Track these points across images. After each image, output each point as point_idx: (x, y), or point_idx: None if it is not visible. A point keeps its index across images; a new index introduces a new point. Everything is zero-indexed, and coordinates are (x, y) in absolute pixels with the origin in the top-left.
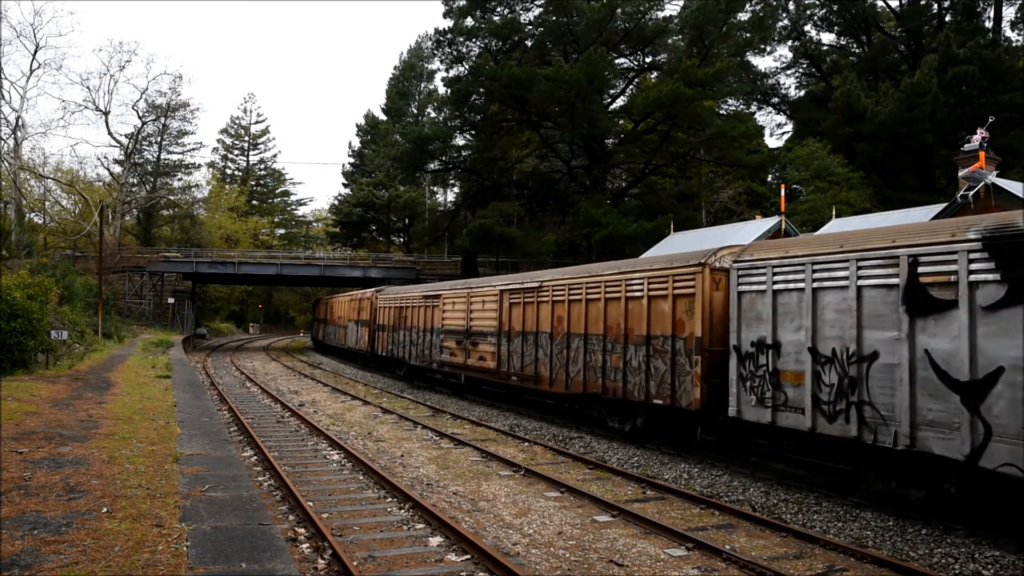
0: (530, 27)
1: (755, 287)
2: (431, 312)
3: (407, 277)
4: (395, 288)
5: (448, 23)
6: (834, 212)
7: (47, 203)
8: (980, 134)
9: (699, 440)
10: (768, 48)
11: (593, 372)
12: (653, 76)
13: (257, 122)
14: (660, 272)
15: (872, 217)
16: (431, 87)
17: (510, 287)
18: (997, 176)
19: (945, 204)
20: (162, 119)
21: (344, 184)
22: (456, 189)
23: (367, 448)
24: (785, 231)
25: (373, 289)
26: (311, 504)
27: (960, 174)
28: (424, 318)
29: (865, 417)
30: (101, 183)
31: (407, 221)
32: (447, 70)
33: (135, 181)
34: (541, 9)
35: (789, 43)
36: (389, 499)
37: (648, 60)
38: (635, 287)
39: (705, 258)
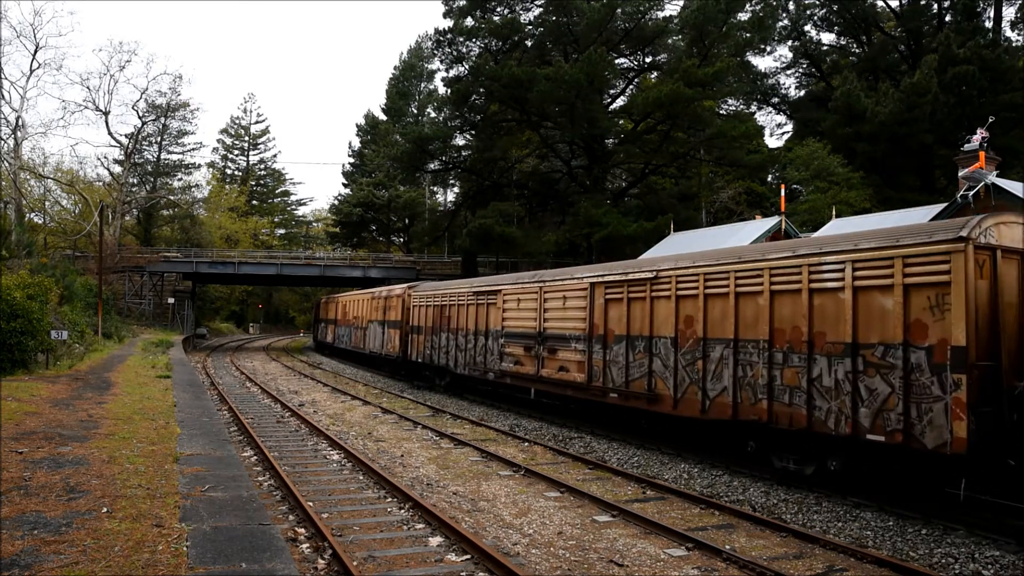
0: (530, 27)
1: None
2: (486, 311)
3: (407, 277)
4: (433, 284)
5: (448, 23)
6: (834, 212)
7: (47, 203)
8: (980, 134)
9: (963, 499)
10: (768, 48)
11: (750, 391)
12: (653, 76)
13: (257, 122)
14: (877, 253)
15: (872, 217)
16: (431, 87)
17: (606, 279)
18: (997, 176)
19: (945, 204)
20: (162, 119)
21: (344, 184)
22: (456, 189)
23: (367, 448)
24: (785, 231)
25: (404, 285)
26: (311, 504)
27: (960, 174)
28: (476, 318)
29: None
30: (101, 183)
31: (407, 221)
32: (447, 70)
33: (135, 181)
34: (541, 9)
35: (789, 43)
36: (389, 499)
37: (648, 60)
38: (827, 275)
39: (966, 229)
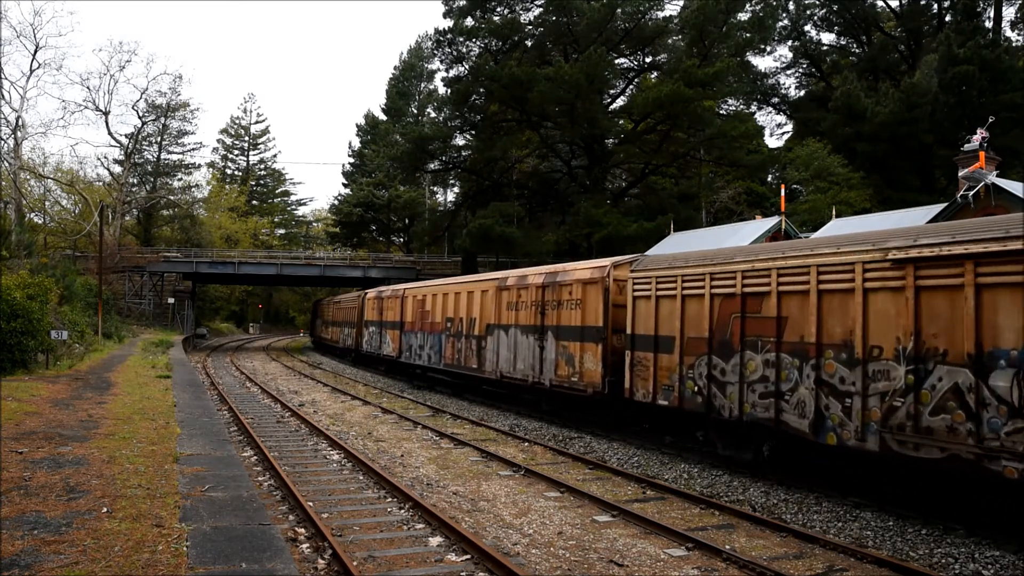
0: (530, 27)
1: None
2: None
3: (407, 277)
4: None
5: (448, 23)
6: (834, 212)
7: (47, 203)
8: (980, 134)
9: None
10: (768, 48)
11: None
12: (653, 76)
13: (257, 122)
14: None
15: (874, 217)
16: (431, 87)
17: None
18: (997, 176)
19: (945, 204)
20: (162, 119)
21: (344, 184)
22: (456, 189)
23: (367, 448)
24: (785, 231)
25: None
26: (311, 504)
27: (960, 174)
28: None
29: None
30: (101, 183)
31: (407, 221)
32: (447, 70)
33: (135, 181)
34: (541, 9)
35: (789, 43)
36: (389, 499)
37: (648, 60)
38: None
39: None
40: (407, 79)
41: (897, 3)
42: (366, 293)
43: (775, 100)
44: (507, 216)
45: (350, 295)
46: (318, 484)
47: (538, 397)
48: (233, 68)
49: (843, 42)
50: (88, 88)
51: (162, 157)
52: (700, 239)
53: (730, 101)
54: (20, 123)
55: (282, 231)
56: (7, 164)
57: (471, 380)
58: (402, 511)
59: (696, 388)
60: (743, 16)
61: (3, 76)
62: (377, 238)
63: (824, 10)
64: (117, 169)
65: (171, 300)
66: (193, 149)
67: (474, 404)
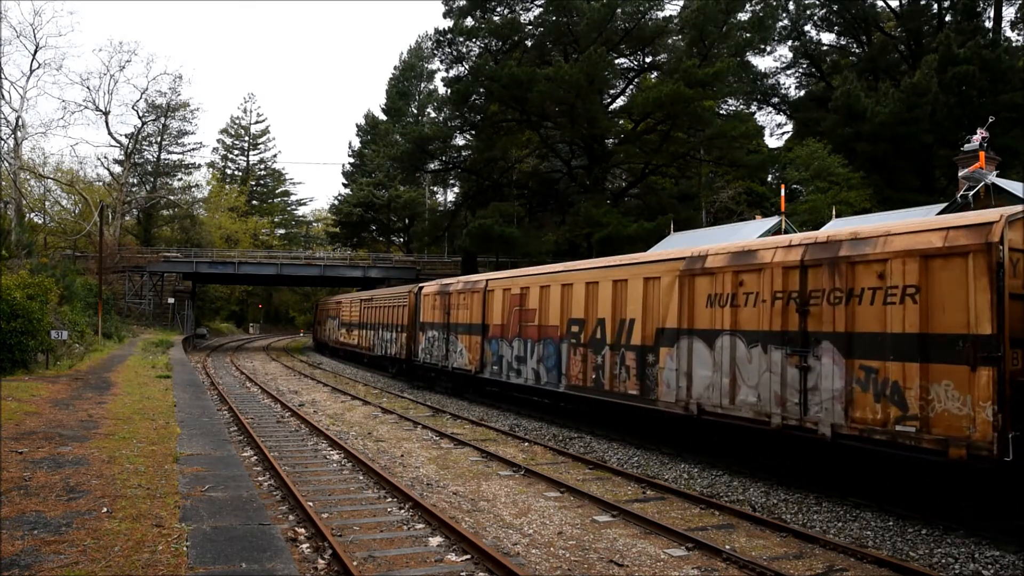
0: (530, 27)
1: None
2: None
3: (407, 277)
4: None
5: (448, 23)
6: (834, 212)
7: (47, 203)
8: (980, 134)
9: None
10: (768, 48)
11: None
12: (653, 76)
13: (257, 122)
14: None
15: (872, 217)
16: (431, 87)
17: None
18: (997, 176)
19: (945, 204)
20: (162, 119)
21: (344, 184)
22: (456, 189)
23: (367, 448)
24: (785, 231)
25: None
26: (311, 504)
27: (960, 174)
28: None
29: None
30: (101, 183)
31: (407, 221)
32: (447, 70)
33: (135, 181)
34: (541, 9)
35: (789, 43)
36: (389, 499)
37: (648, 60)
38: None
39: None
40: (407, 79)
41: (897, 3)
42: (421, 287)
43: (775, 100)
44: (507, 216)
45: (391, 290)
46: (318, 484)
47: (792, 450)
48: (233, 68)
49: (843, 42)
50: (88, 88)
51: (162, 157)
52: (700, 239)
53: (730, 101)
54: (20, 123)
55: (282, 231)
56: (7, 164)
57: (621, 410)
58: (402, 511)
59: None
60: (743, 16)
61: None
62: (377, 238)
63: (824, 10)
64: (117, 169)
65: (171, 300)
66: (193, 149)
67: (474, 404)
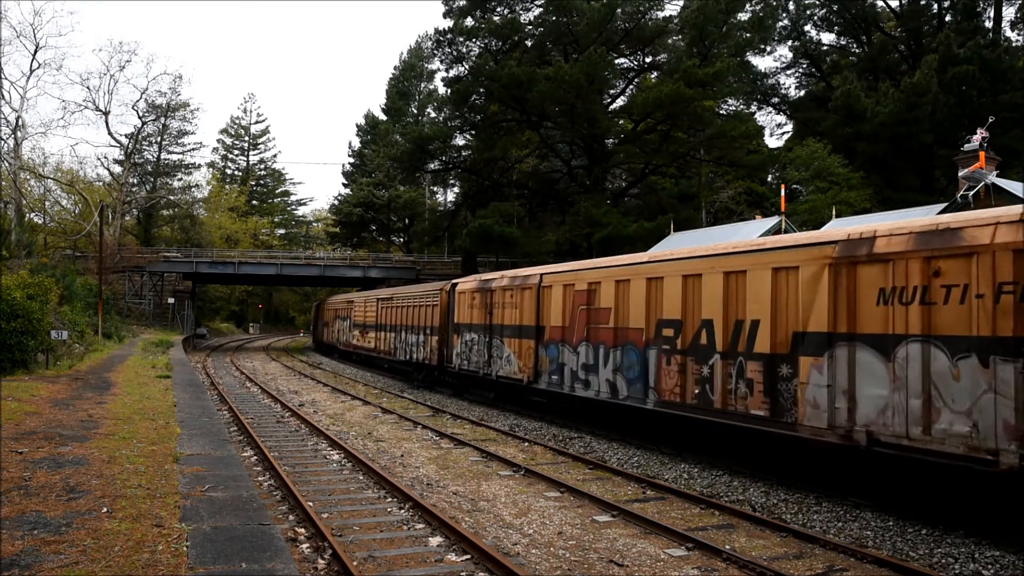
0: (530, 27)
1: None
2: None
3: (407, 277)
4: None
5: (448, 23)
6: (834, 212)
7: (47, 203)
8: (980, 134)
9: None
10: (768, 48)
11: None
12: (653, 76)
13: (257, 122)
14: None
15: (872, 217)
16: (431, 87)
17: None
18: (997, 176)
19: (945, 204)
20: (162, 119)
21: (344, 184)
22: (456, 189)
23: (367, 448)
24: (785, 231)
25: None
26: (311, 504)
27: (960, 174)
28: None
29: None
30: (101, 183)
31: (407, 221)
32: (447, 70)
33: (135, 181)
34: (541, 9)
35: (789, 43)
36: (389, 499)
37: (648, 60)
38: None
39: None
40: (407, 79)
41: (897, 3)
42: (455, 284)
43: (775, 100)
44: (507, 216)
45: (416, 288)
46: (318, 484)
47: None
48: (233, 68)
49: (843, 42)
50: (88, 88)
51: (162, 157)
52: (700, 239)
53: (730, 101)
54: (20, 123)
55: (282, 231)
56: (7, 164)
57: (737, 435)
58: (402, 511)
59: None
60: (743, 16)
61: (3, 76)
62: (377, 238)
63: (824, 10)
64: (117, 169)
65: (171, 300)
66: (193, 149)
67: (474, 404)
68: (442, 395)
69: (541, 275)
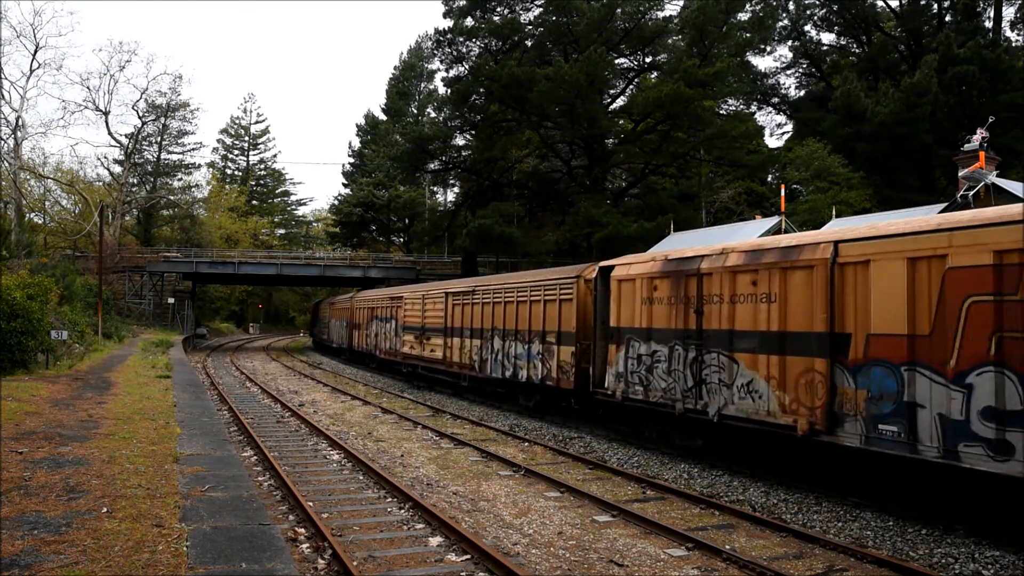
0: (530, 27)
1: None
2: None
3: (407, 277)
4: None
5: (448, 23)
6: (834, 212)
7: (47, 203)
8: (980, 134)
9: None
10: (768, 48)
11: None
12: (653, 76)
13: (257, 122)
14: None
15: (871, 217)
16: (431, 87)
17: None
18: (997, 176)
19: (945, 204)
20: (162, 119)
21: (344, 184)
22: (456, 189)
23: (367, 448)
24: (785, 231)
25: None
26: (311, 504)
27: (960, 174)
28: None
29: None
30: (101, 183)
31: (407, 221)
32: (447, 70)
33: (135, 181)
34: (541, 9)
35: (789, 43)
36: (389, 499)
37: (648, 60)
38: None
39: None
40: (407, 79)
41: (897, 3)
42: (607, 270)
43: (775, 100)
44: (507, 216)
45: (522, 276)
46: (318, 484)
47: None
48: (233, 68)
49: (843, 42)
50: (88, 88)
51: (162, 157)
52: (700, 239)
53: (730, 101)
54: (20, 123)
55: (282, 231)
56: (7, 164)
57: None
58: (402, 511)
59: None
60: (743, 16)
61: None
62: (377, 238)
63: (824, 10)
64: (117, 169)
65: (171, 300)
66: (193, 149)
67: (474, 404)
68: (442, 395)
69: (836, 243)
